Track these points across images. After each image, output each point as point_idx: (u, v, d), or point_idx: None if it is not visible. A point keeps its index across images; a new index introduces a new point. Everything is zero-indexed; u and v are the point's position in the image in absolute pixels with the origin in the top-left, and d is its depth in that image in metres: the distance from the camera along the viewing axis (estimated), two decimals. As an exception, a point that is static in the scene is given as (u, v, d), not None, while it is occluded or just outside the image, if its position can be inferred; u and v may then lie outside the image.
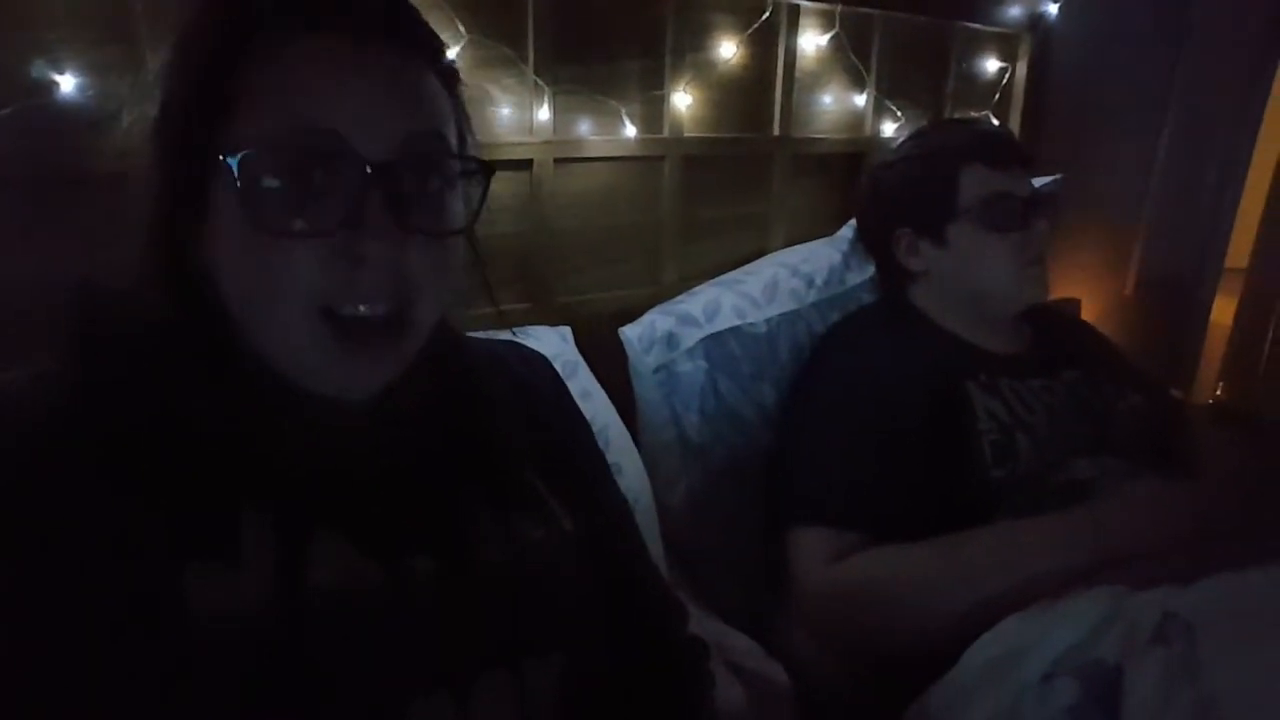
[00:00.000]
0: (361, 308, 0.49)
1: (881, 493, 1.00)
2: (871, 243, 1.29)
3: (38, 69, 0.85)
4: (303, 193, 0.47)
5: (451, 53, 1.06)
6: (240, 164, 0.46)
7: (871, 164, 1.57)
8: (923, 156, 1.20)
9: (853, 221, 1.40)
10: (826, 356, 1.22)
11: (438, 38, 0.55)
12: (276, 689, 0.47)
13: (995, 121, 1.78)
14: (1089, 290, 1.97)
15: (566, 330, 1.22)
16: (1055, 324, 1.25)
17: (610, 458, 0.93)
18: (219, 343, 0.52)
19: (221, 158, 0.47)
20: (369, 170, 0.47)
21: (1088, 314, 1.90)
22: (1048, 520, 0.92)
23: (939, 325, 1.19)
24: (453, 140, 0.54)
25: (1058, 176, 1.50)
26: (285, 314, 0.49)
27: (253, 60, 0.48)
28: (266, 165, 0.47)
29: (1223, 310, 2.15)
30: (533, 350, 0.76)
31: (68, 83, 0.85)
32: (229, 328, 0.51)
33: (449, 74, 0.55)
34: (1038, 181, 1.24)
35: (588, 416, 0.78)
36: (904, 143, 1.26)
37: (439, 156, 0.52)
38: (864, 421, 1.05)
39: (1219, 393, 1.93)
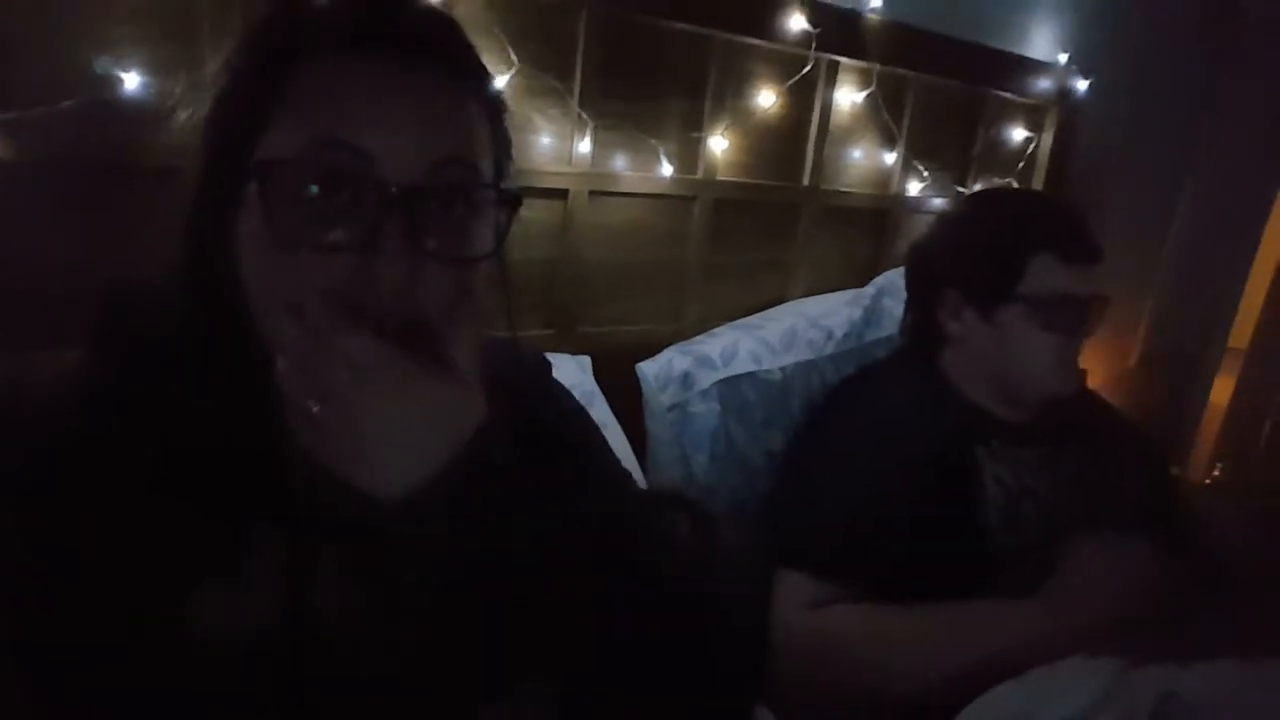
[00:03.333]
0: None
1: (873, 548, 0.99)
2: (916, 292, 1.23)
3: (101, 65, 0.86)
4: (324, 208, 0.47)
5: (501, 80, 1.08)
6: (268, 172, 0.47)
7: (898, 220, 1.60)
8: (995, 226, 1.14)
9: (877, 280, 1.41)
10: (839, 405, 1.21)
11: (484, 66, 0.54)
12: (273, 713, 0.46)
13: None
14: (1095, 362, 1.99)
15: (586, 360, 1.22)
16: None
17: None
18: (236, 349, 0.51)
19: (250, 164, 0.47)
20: (392, 193, 0.46)
21: (1091, 385, 1.91)
22: (1031, 602, 0.93)
23: (957, 389, 1.16)
24: (487, 169, 0.53)
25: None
26: (300, 324, 0.48)
27: (295, 74, 0.48)
28: (292, 176, 0.47)
29: (1221, 390, 2.17)
30: (525, 351, 0.73)
31: (131, 80, 0.87)
32: (250, 333, 0.50)
33: (493, 103, 0.55)
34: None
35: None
36: (976, 200, 1.23)
37: (467, 184, 0.51)
38: (866, 475, 1.04)
39: (1217, 473, 1.94)
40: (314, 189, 0.47)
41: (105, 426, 0.48)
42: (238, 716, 0.46)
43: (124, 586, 0.44)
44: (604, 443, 0.73)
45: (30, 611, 0.43)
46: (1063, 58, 1.78)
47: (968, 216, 1.20)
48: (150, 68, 0.88)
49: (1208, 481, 1.94)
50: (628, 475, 0.73)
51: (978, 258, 1.12)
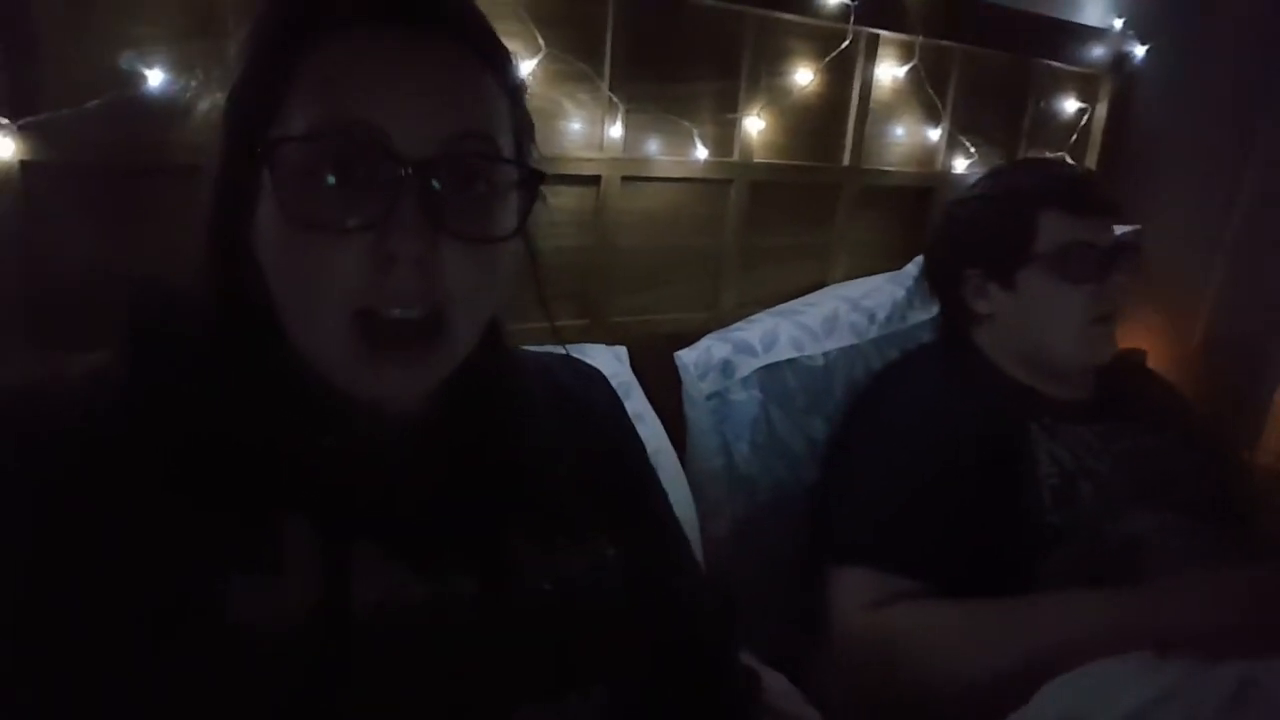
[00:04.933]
0: (395, 310, 0.47)
1: (932, 537, 0.97)
2: (938, 280, 1.25)
3: (127, 61, 0.86)
4: (338, 187, 0.46)
5: (529, 65, 1.07)
6: (278, 153, 0.46)
7: (943, 199, 1.55)
8: (1001, 195, 1.15)
9: (918, 259, 1.37)
10: (883, 394, 1.19)
11: (502, 45, 0.53)
12: (311, 707, 0.46)
13: (1070, 163, 1.74)
14: (1155, 341, 1.91)
15: (622, 350, 1.20)
16: (1121, 372, 1.21)
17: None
18: (263, 344, 0.51)
19: (258, 147, 0.47)
20: (406, 168, 0.46)
21: (1153, 366, 1.84)
22: (1108, 595, 0.88)
23: (1000, 369, 1.15)
24: (506, 146, 0.52)
25: (1137, 227, 1.45)
26: (319, 313, 0.48)
27: (308, 52, 0.47)
28: (305, 153, 0.46)
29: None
30: (589, 366, 0.75)
31: (155, 77, 0.87)
32: (273, 327, 0.51)
33: (511, 81, 0.54)
34: (1118, 230, 1.19)
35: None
36: (982, 179, 1.22)
37: (485, 159, 0.50)
38: (918, 464, 1.02)
39: (1290, 457, 1.85)
40: (327, 166, 0.46)
41: (136, 424, 0.48)
42: (275, 708, 0.45)
43: (160, 581, 0.45)
44: (658, 481, 0.75)
45: (67, 607, 0.44)
46: (1117, 23, 1.70)
47: (973, 196, 1.20)
48: (176, 65, 0.88)
49: (1280, 465, 1.84)
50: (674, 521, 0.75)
51: (989, 230, 1.14)
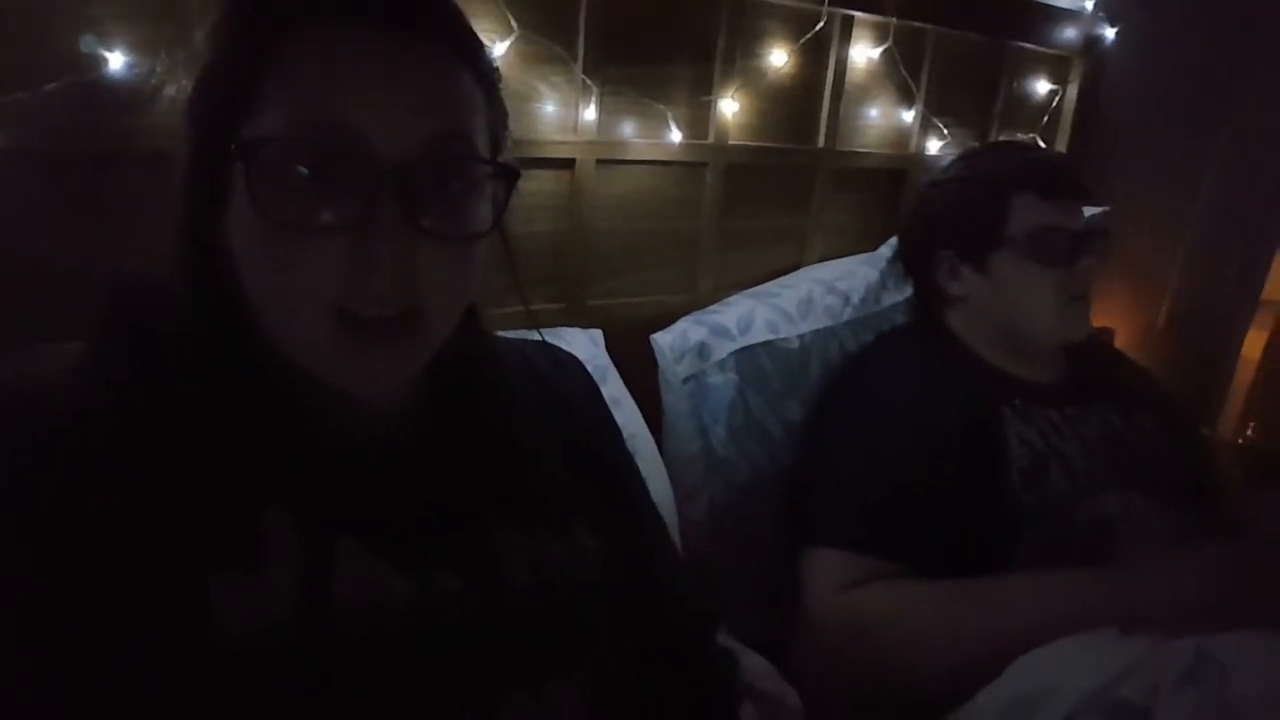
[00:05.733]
0: (371, 309, 0.47)
1: (905, 519, 0.99)
2: (911, 262, 1.25)
3: (87, 44, 0.84)
4: (316, 188, 0.46)
5: (501, 47, 1.05)
6: (254, 153, 0.45)
7: (917, 181, 1.56)
8: (974, 179, 1.16)
9: (892, 240, 1.37)
10: (857, 377, 1.20)
11: (475, 35, 0.53)
12: (295, 704, 0.46)
13: (1043, 144, 1.75)
14: (1122, 320, 1.94)
15: (598, 334, 1.20)
16: (1090, 353, 1.22)
17: (637, 468, 0.92)
18: (241, 337, 0.51)
19: (233, 146, 0.46)
20: (385, 171, 0.45)
21: (1120, 344, 1.87)
22: (1079, 575, 0.90)
23: (973, 351, 1.17)
24: (482, 142, 0.52)
25: (1106, 209, 1.47)
26: (296, 309, 0.47)
27: (282, 48, 0.46)
28: (280, 156, 0.46)
29: (1253, 345, 2.11)
30: (566, 353, 0.75)
31: (116, 60, 0.84)
32: (250, 320, 0.50)
33: (487, 73, 0.53)
34: (1088, 212, 1.20)
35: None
36: (955, 162, 1.23)
37: (463, 159, 0.50)
38: (891, 446, 1.03)
39: (1250, 432, 1.89)
40: (303, 169, 0.46)
41: (115, 420, 0.47)
42: (259, 706, 0.45)
43: (142, 579, 0.44)
44: (635, 467, 0.75)
45: (48, 606, 0.43)
46: (1089, 4, 1.71)
47: (946, 179, 1.21)
48: (137, 47, 0.86)
49: (1240, 441, 1.89)
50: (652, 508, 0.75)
51: (961, 213, 1.15)
